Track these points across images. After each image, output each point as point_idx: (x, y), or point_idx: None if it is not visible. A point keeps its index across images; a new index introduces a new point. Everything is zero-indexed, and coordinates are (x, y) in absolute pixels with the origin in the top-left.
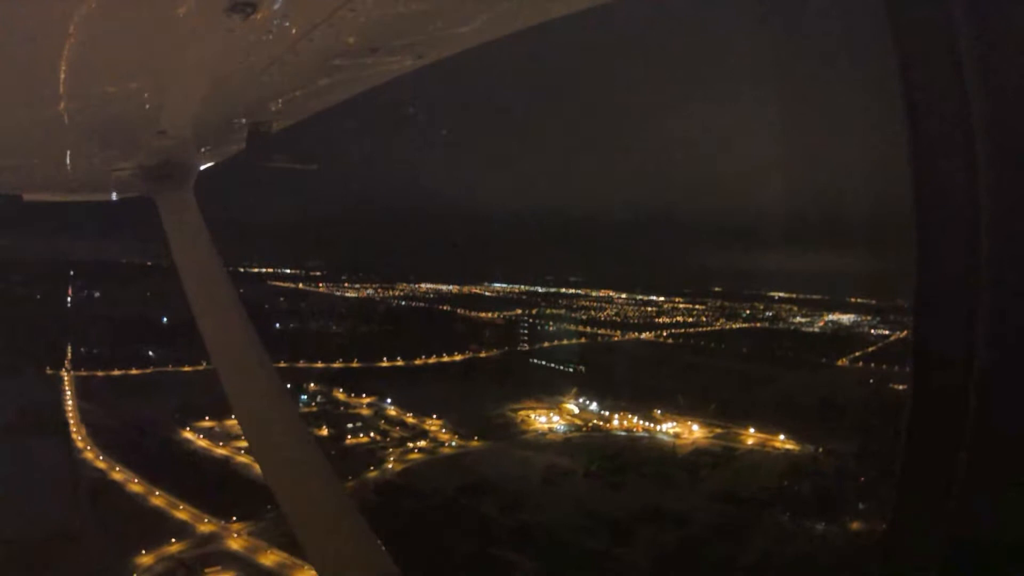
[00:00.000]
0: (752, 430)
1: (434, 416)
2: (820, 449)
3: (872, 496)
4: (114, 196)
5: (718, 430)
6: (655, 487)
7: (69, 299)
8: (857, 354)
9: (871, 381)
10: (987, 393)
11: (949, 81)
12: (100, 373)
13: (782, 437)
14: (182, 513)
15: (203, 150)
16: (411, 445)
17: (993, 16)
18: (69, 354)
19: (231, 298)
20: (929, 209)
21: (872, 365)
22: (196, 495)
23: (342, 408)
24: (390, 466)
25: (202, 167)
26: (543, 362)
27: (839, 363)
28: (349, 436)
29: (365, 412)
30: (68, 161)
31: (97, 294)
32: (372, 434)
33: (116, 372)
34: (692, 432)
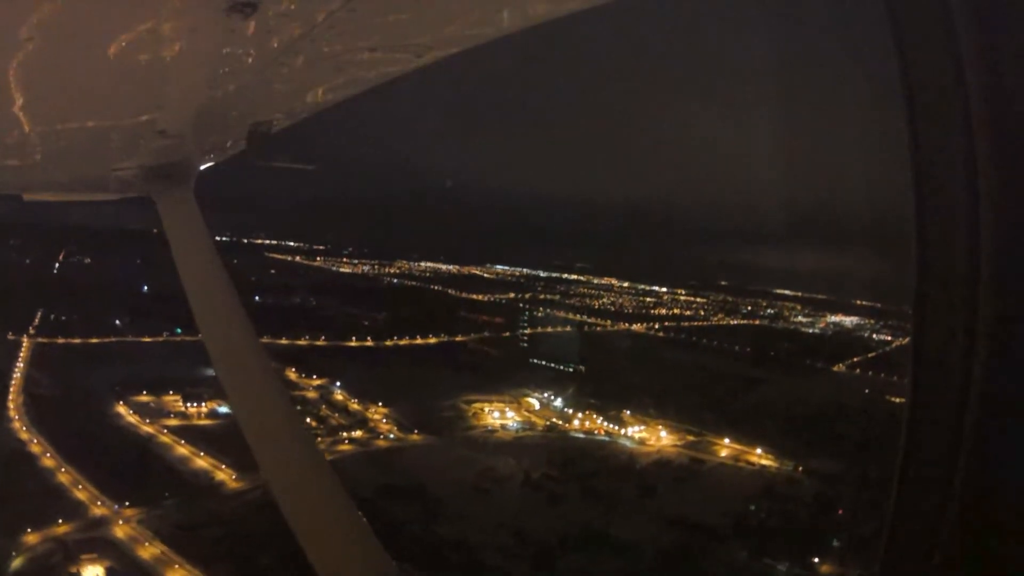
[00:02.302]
0: (727, 440)
1: (380, 404)
2: (799, 468)
3: (850, 532)
4: (114, 196)
5: (690, 437)
6: (600, 504)
7: (57, 265)
8: (855, 360)
9: (866, 391)
10: (987, 399)
11: (950, 82)
12: (61, 340)
13: (759, 451)
14: (82, 493)
15: (203, 150)
16: (345, 435)
17: (993, 16)
18: (37, 320)
19: (231, 299)
20: (929, 210)
21: (870, 373)
22: (102, 475)
23: (288, 390)
24: None
25: (202, 167)
26: (519, 350)
27: (835, 368)
28: None
29: (311, 395)
30: (68, 161)
31: (88, 260)
32: (308, 420)
33: (77, 340)
34: (660, 439)
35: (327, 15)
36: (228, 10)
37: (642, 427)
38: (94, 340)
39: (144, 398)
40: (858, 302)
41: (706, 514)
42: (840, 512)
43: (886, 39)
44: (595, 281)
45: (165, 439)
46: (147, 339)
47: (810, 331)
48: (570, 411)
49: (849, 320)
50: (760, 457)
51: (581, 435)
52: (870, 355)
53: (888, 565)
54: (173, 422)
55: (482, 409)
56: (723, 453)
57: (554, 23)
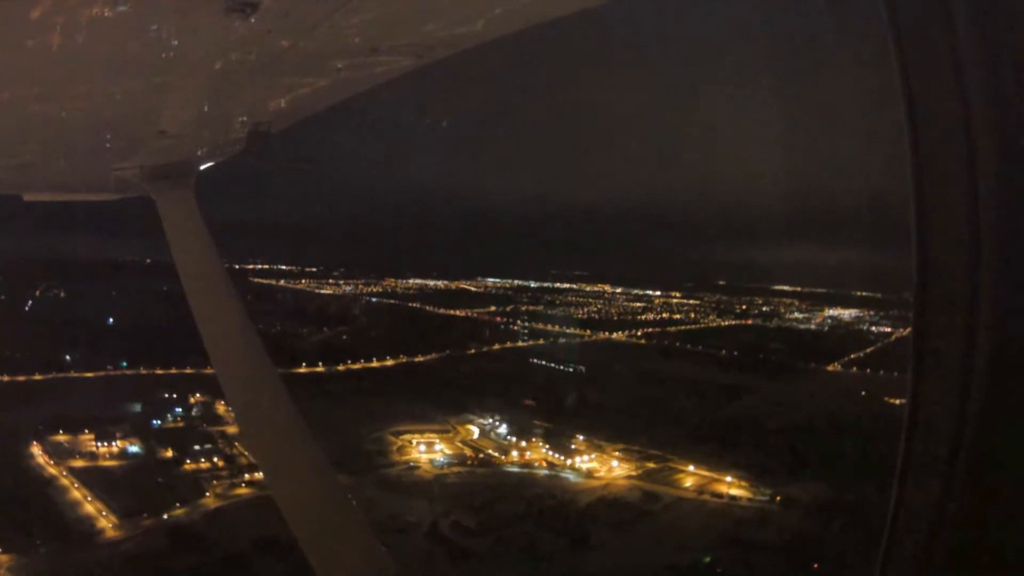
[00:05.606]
0: (693, 467)
1: None
2: (777, 498)
3: None
4: (114, 196)
5: (650, 464)
6: (518, 559)
7: (31, 302)
8: (852, 356)
9: (863, 393)
10: (987, 398)
11: (950, 82)
12: (6, 378)
13: (729, 478)
14: None
15: (203, 150)
16: (248, 476)
17: (993, 16)
18: None
19: (231, 297)
20: (929, 210)
21: (868, 370)
22: None
23: (205, 425)
24: (204, 503)
25: (202, 167)
26: (478, 370)
27: (830, 368)
28: (189, 460)
29: (231, 430)
30: (68, 161)
31: (62, 294)
32: (216, 459)
33: (21, 377)
34: (611, 469)
35: (327, 15)
36: (228, 10)
37: (593, 455)
38: (38, 377)
39: (61, 437)
40: (858, 293)
41: (650, 567)
42: (816, 566)
43: (886, 39)
44: (587, 289)
45: (64, 481)
46: (89, 374)
47: (806, 327)
48: (513, 439)
49: (848, 313)
50: (730, 486)
51: (516, 469)
52: (868, 350)
53: (888, 565)
54: (79, 463)
55: (411, 441)
56: (687, 482)
57: (548, 23)
